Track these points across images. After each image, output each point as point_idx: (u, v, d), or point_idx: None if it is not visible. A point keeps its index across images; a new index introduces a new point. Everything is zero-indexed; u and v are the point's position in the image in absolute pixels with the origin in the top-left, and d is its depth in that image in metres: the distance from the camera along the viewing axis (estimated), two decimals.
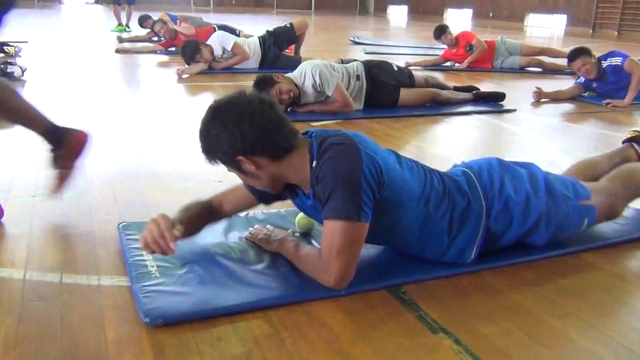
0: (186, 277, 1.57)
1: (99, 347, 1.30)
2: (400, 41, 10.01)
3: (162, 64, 6.29)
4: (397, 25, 16.63)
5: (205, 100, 4.64)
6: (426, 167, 1.73)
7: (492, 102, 4.41)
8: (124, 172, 2.57)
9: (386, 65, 4.13)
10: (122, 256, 1.71)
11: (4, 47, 6.06)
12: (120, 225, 1.88)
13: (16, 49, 6.09)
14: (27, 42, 7.06)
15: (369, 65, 4.04)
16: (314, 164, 1.50)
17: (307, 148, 1.54)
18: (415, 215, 1.60)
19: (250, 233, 1.83)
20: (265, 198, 1.73)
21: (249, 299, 1.47)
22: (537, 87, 4.72)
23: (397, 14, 21.72)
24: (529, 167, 1.85)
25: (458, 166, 1.89)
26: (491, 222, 1.69)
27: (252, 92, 1.55)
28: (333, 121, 3.66)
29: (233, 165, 1.54)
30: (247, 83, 4.59)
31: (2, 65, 4.85)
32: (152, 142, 3.15)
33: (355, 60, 4.38)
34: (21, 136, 3.15)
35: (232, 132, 1.47)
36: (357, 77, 3.93)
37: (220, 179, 2.46)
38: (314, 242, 1.82)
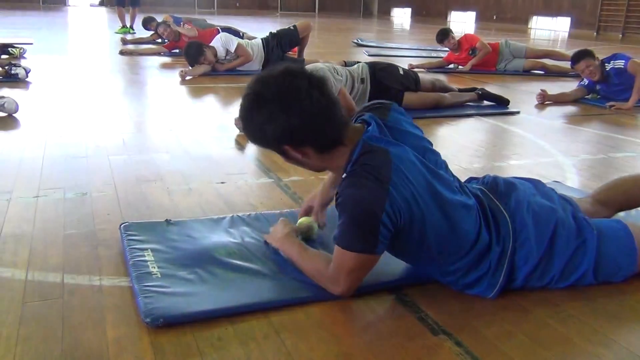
0: (187, 277, 1.57)
1: (99, 347, 1.30)
2: (403, 43, 10.01)
3: (166, 66, 6.30)
4: (401, 27, 16.64)
5: (209, 102, 4.65)
6: (474, 211, 1.54)
7: (496, 103, 4.41)
8: (126, 172, 2.57)
9: (392, 69, 4.12)
10: (123, 257, 1.71)
11: (9, 49, 6.09)
12: (122, 226, 1.88)
13: (21, 51, 6.12)
14: (31, 43, 7.09)
15: (374, 68, 4.03)
16: (344, 175, 1.45)
17: (351, 148, 1.44)
18: (424, 258, 1.54)
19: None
20: None
21: (249, 300, 1.47)
22: (541, 90, 4.71)
23: (401, 17, 21.74)
24: (585, 240, 1.59)
25: (516, 201, 1.62)
26: (514, 284, 1.57)
27: (299, 71, 1.42)
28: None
29: (277, 150, 1.49)
30: None
31: (6, 67, 4.88)
32: (155, 143, 3.16)
33: (358, 62, 4.38)
34: (23, 137, 3.16)
35: (278, 122, 1.37)
36: (362, 80, 3.93)
37: (222, 180, 2.46)
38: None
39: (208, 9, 19.73)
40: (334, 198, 1.48)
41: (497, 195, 1.66)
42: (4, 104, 3.56)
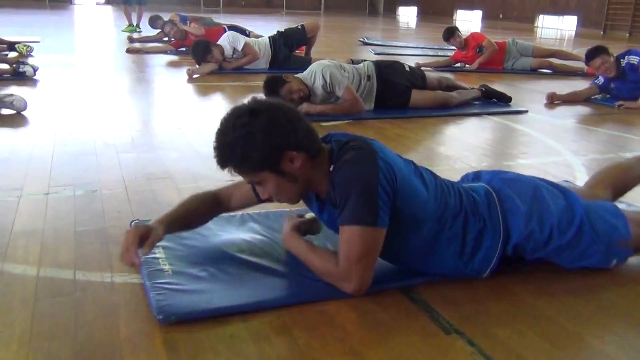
0: (198, 275, 1.57)
1: (112, 343, 1.30)
2: (410, 42, 9.99)
3: (173, 64, 6.31)
4: (407, 26, 16.61)
5: (216, 100, 4.66)
6: (445, 182, 1.67)
7: (499, 100, 4.43)
8: (135, 170, 2.57)
9: (397, 66, 4.12)
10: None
11: (15, 46, 6.10)
12: (132, 223, 1.88)
13: (28, 49, 6.13)
14: (38, 41, 7.11)
15: (379, 66, 4.03)
16: (331, 168, 1.50)
17: (327, 152, 1.54)
18: (425, 233, 1.55)
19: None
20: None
21: (261, 298, 1.47)
22: (550, 93, 4.66)
23: (407, 15, 21.70)
24: (569, 199, 1.69)
25: (487, 177, 1.79)
26: (508, 249, 1.63)
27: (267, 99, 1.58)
28: (344, 121, 3.66)
29: (272, 166, 1.46)
30: (257, 83, 4.60)
31: (14, 65, 4.89)
32: (163, 141, 3.16)
33: (365, 60, 4.38)
34: (32, 134, 3.17)
35: (281, 124, 1.44)
36: (368, 77, 3.92)
37: (231, 179, 2.46)
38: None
39: (214, 7, 19.73)
40: (330, 197, 1.50)
41: (468, 181, 1.83)
42: (12, 101, 3.58)
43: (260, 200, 1.70)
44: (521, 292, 1.59)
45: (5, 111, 3.56)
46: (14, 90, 4.01)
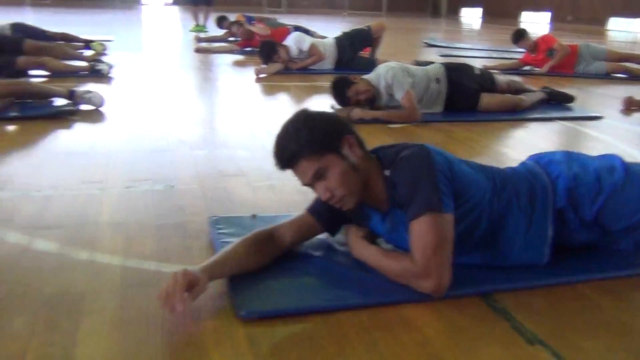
0: (279, 273, 1.59)
1: (198, 335, 1.34)
2: (475, 44, 9.80)
3: (239, 64, 6.43)
4: (470, 27, 16.30)
5: (282, 99, 4.71)
6: (480, 164, 1.76)
7: (562, 102, 4.33)
8: (209, 167, 2.64)
9: (467, 68, 4.05)
10: (212, 249, 1.76)
11: (90, 44, 6.38)
12: (211, 219, 1.93)
13: (103, 48, 6.39)
14: (112, 40, 7.40)
15: (449, 68, 3.96)
16: (387, 172, 1.58)
17: (375, 160, 1.64)
18: (488, 204, 1.60)
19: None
20: (332, 223, 1.71)
21: (340, 298, 1.48)
22: (626, 98, 4.47)
23: (470, 16, 21.30)
24: (605, 156, 1.82)
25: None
26: (560, 198, 1.65)
27: None
28: (411, 124, 3.62)
29: (336, 148, 1.54)
30: (322, 83, 4.64)
31: (92, 63, 5.11)
32: (233, 139, 3.22)
33: (431, 62, 4.32)
34: (110, 130, 3.30)
35: (333, 115, 1.68)
36: (437, 80, 3.87)
37: None
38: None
39: (276, 7, 19.97)
40: (395, 199, 1.56)
41: None
42: (90, 97, 3.74)
43: (323, 227, 1.71)
44: (606, 304, 1.53)
45: (84, 107, 3.72)
46: (91, 87, 4.19)
